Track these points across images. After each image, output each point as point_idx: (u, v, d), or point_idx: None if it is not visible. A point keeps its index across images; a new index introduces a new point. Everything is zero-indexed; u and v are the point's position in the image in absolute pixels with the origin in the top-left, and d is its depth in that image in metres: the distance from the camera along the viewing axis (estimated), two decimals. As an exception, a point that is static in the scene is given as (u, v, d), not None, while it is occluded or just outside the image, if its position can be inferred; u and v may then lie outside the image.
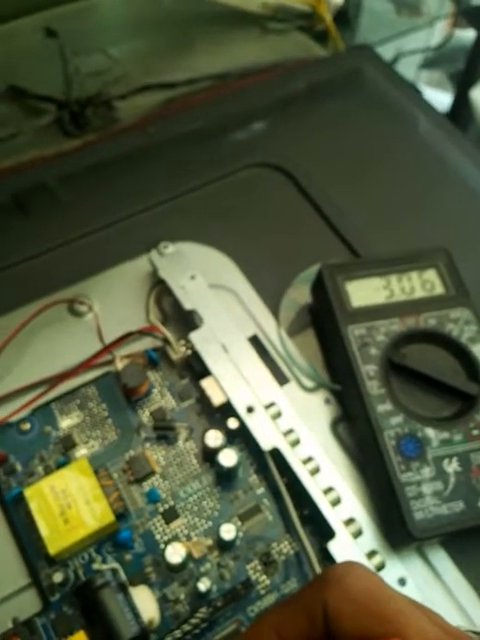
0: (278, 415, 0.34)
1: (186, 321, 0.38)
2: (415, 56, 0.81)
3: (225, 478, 0.34)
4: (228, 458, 0.32)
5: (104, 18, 0.62)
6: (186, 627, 0.29)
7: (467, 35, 0.76)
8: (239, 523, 0.33)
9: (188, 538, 0.32)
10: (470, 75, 0.75)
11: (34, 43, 0.58)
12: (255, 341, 0.38)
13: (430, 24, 0.81)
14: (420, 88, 0.73)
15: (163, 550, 0.31)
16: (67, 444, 0.35)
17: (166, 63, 0.58)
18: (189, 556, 0.31)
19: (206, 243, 0.43)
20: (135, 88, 0.56)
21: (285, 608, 0.22)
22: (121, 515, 0.32)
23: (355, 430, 0.35)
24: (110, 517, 0.31)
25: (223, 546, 0.32)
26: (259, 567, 0.32)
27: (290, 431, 0.34)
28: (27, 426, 0.35)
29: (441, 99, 0.79)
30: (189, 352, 0.37)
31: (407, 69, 0.78)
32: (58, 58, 0.57)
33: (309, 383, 0.37)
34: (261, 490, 0.34)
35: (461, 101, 0.77)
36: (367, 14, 0.74)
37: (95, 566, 0.31)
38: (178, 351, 0.37)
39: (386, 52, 0.71)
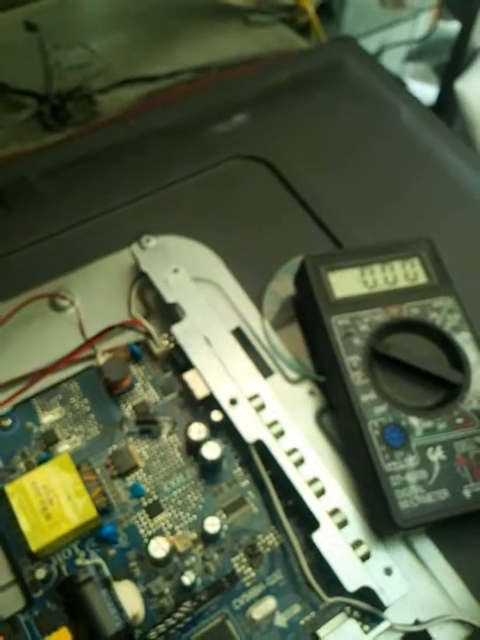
0: (262, 407, 0.34)
1: (169, 314, 0.38)
2: (400, 48, 0.81)
3: (209, 471, 0.34)
4: (212, 451, 0.32)
5: (84, 11, 0.61)
6: (170, 621, 0.29)
7: (451, 27, 0.76)
8: (224, 516, 0.32)
9: (172, 532, 0.32)
10: (455, 67, 0.75)
11: (14, 37, 0.58)
12: (239, 333, 0.38)
13: (414, 16, 0.81)
14: (405, 80, 0.73)
15: (147, 545, 0.30)
16: (49, 440, 0.34)
17: (148, 56, 0.58)
18: (173, 550, 0.31)
19: (189, 236, 0.42)
20: (116, 81, 0.56)
21: None
22: (105, 510, 0.32)
23: (340, 421, 0.35)
24: (92, 512, 0.31)
25: (208, 539, 0.32)
26: (244, 560, 0.31)
27: (274, 423, 0.33)
28: (8, 422, 0.34)
29: (426, 91, 0.79)
30: (172, 345, 0.36)
31: (392, 61, 0.78)
32: (38, 52, 0.56)
33: (293, 375, 0.37)
34: (245, 482, 0.34)
35: (446, 93, 0.76)
36: (351, 6, 0.74)
37: (78, 562, 0.30)
38: (160, 344, 0.36)
39: (371, 44, 0.71)
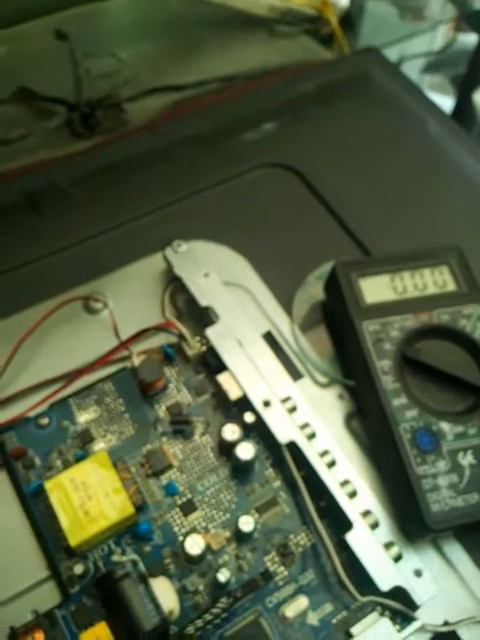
0: (294, 409, 0.35)
1: (201, 317, 0.39)
2: (418, 60, 0.82)
3: (242, 471, 0.34)
4: (246, 451, 0.33)
5: (113, 21, 0.63)
6: (207, 617, 0.29)
7: (469, 39, 0.77)
8: (256, 515, 0.33)
9: (206, 530, 0.33)
10: (472, 79, 0.76)
11: (45, 46, 0.59)
12: (269, 337, 0.38)
13: (433, 28, 0.81)
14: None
15: (182, 542, 0.31)
16: (85, 438, 0.35)
17: (175, 66, 0.59)
18: (208, 548, 0.32)
19: (218, 242, 0.43)
20: (144, 90, 0.57)
21: None
22: (139, 508, 0.32)
23: (369, 424, 0.36)
24: (130, 509, 0.31)
25: (241, 538, 0.32)
26: (276, 559, 0.32)
27: (306, 425, 0.34)
28: (45, 421, 0.35)
29: (443, 103, 0.79)
30: (204, 348, 0.37)
31: (410, 72, 0.78)
32: (68, 60, 0.57)
33: (322, 379, 0.38)
34: (277, 483, 0.34)
35: (463, 105, 0.77)
36: (370, 18, 0.75)
37: (114, 558, 0.31)
38: (194, 347, 0.37)
39: (389, 56, 0.72)
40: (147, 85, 0.57)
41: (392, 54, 0.75)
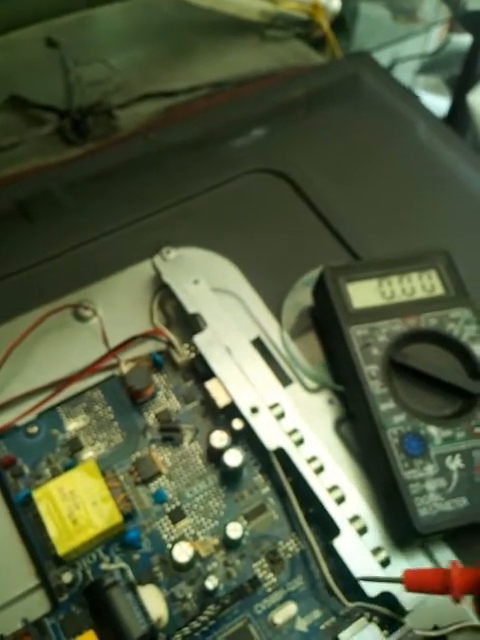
0: (282, 415, 0.35)
1: (189, 324, 0.39)
2: (412, 61, 0.82)
3: (230, 478, 0.34)
4: (234, 458, 0.33)
5: (104, 28, 0.63)
6: (195, 624, 0.29)
7: (463, 40, 0.77)
8: (245, 522, 0.33)
9: (195, 537, 0.33)
10: (467, 80, 0.76)
11: (35, 53, 0.59)
12: (258, 343, 0.38)
13: (426, 30, 0.82)
14: (417, 93, 0.74)
15: (170, 549, 0.31)
16: (74, 447, 0.35)
17: (166, 71, 0.59)
18: (196, 555, 0.32)
19: (208, 248, 0.43)
20: (135, 97, 0.57)
21: None
22: (128, 515, 0.33)
23: (358, 429, 0.36)
24: (118, 518, 0.31)
25: (229, 545, 0.32)
26: (265, 565, 0.32)
27: (294, 431, 0.34)
28: (34, 429, 0.35)
29: (438, 104, 0.79)
30: (193, 355, 0.37)
31: (404, 74, 0.79)
32: (59, 68, 0.58)
33: (312, 384, 0.38)
34: (266, 489, 0.34)
35: (458, 106, 0.77)
36: (363, 20, 0.75)
37: (103, 566, 0.31)
38: (182, 354, 0.37)
39: (383, 58, 0.72)
40: (138, 91, 0.57)
41: (386, 56, 0.75)
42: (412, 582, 0.28)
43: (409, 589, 0.28)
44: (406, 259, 0.38)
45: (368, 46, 0.70)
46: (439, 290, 0.37)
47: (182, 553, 0.31)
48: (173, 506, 0.34)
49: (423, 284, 0.37)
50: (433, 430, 0.33)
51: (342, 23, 0.71)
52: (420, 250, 0.39)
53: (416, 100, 0.57)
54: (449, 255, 0.38)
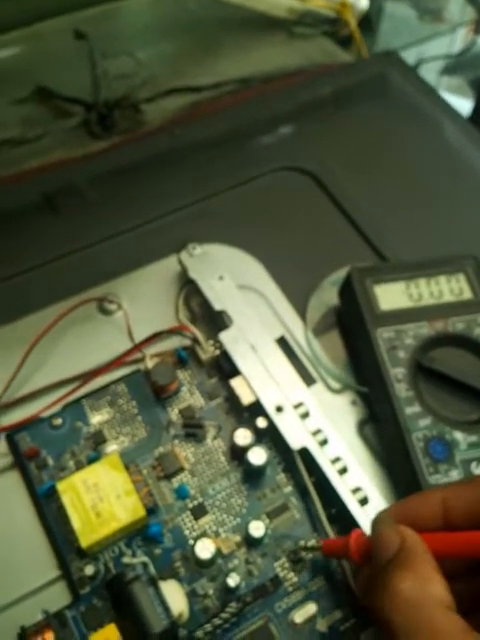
0: (306, 415, 0.34)
1: (215, 321, 0.39)
2: (436, 62, 0.81)
3: (253, 476, 0.34)
4: (258, 456, 0.33)
5: (132, 21, 0.63)
6: (217, 621, 0.29)
7: (489, 42, 0.76)
8: (267, 520, 0.33)
9: (216, 534, 0.33)
10: (492, 82, 0.76)
11: (63, 45, 0.59)
12: (282, 342, 0.38)
13: (452, 30, 0.81)
14: (441, 94, 0.73)
15: (192, 545, 0.31)
16: (98, 440, 0.35)
17: (192, 67, 0.59)
18: (218, 552, 0.32)
19: (234, 245, 0.43)
20: (162, 91, 0.57)
21: (458, 485, 0.26)
22: (151, 510, 0.33)
23: (382, 432, 0.36)
24: (141, 511, 0.31)
25: (251, 543, 0.32)
26: (286, 564, 0.32)
27: (318, 431, 0.34)
28: (59, 421, 0.35)
29: (461, 105, 0.79)
30: (218, 352, 0.37)
31: (428, 75, 0.78)
32: (86, 60, 0.58)
33: (335, 384, 0.38)
34: (288, 488, 0.34)
35: (481, 107, 0.77)
36: (389, 20, 0.75)
37: (125, 560, 0.31)
38: (207, 350, 0.37)
39: (408, 58, 0.71)
40: (164, 86, 0.57)
41: (411, 56, 0.75)
42: (326, 548, 0.30)
43: (325, 554, 0.31)
44: (434, 262, 0.38)
45: (393, 45, 0.70)
46: (467, 294, 0.37)
47: (204, 549, 0.31)
48: (195, 502, 0.34)
49: (451, 288, 0.37)
50: (458, 435, 0.33)
51: (368, 22, 0.71)
52: (449, 254, 0.38)
53: (443, 100, 0.56)
54: (478, 260, 0.38)
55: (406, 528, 0.24)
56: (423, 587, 0.22)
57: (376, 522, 0.26)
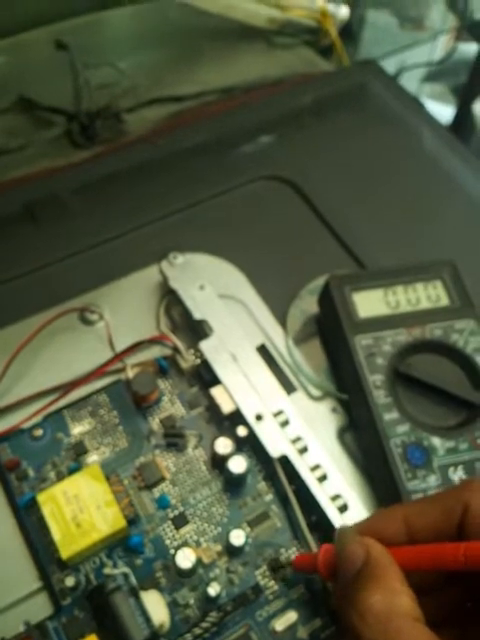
0: (286, 423, 0.35)
1: (195, 330, 0.39)
2: (418, 70, 0.82)
3: (234, 485, 0.34)
4: (238, 465, 0.33)
5: (113, 31, 0.63)
6: (197, 631, 0.29)
7: (470, 49, 0.77)
8: (248, 529, 0.33)
9: (198, 544, 0.33)
10: (473, 89, 0.76)
11: (45, 55, 0.59)
12: (263, 350, 0.39)
13: (433, 38, 0.82)
14: (423, 101, 0.74)
15: (173, 555, 0.31)
16: (79, 450, 0.35)
17: (174, 77, 0.59)
18: (199, 561, 0.32)
19: (215, 254, 0.43)
20: (143, 101, 0.57)
21: (420, 503, 0.26)
22: (132, 520, 0.33)
23: (362, 439, 0.36)
24: (122, 522, 0.31)
25: (232, 552, 0.32)
26: (267, 573, 0.32)
27: (298, 439, 0.34)
28: (39, 432, 0.35)
29: (443, 112, 0.80)
30: (198, 361, 0.37)
31: (410, 82, 0.79)
32: (68, 71, 0.58)
33: (316, 392, 0.38)
34: (269, 497, 0.34)
35: (464, 114, 0.77)
36: (370, 28, 0.75)
37: (106, 571, 0.31)
38: (188, 360, 0.37)
39: (389, 66, 0.72)
40: (146, 96, 0.57)
41: (392, 64, 0.76)
42: (297, 564, 0.31)
43: (296, 570, 0.31)
44: (412, 269, 0.38)
45: (375, 54, 0.70)
46: (444, 301, 0.37)
47: (185, 559, 0.31)
48: (176, 512, 0.34)
49: (428, 294, 0.37)
50: (436, 441, 0.33)
51: (349, 31, 0.72)
52: (426, 260, 0.39)
53: (422, 109, 0.57)
54: (455, 266, 0.38)
55: (371, 540, 0.24)
56: (390, 600, 0.22)
57: (340, 536, 0.26)
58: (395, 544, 0.24)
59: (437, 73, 0.86)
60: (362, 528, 0.26)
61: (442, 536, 0.24)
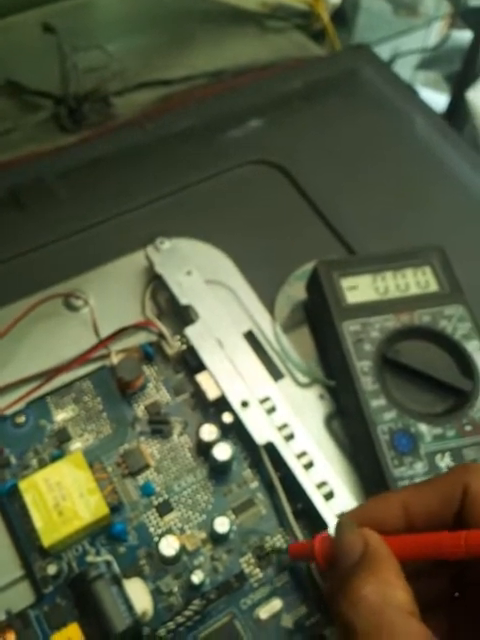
0: (272, 410, 0.34)
1: (181, 316, 0.38)
2: (412, 56, 0.81)
3: (219, 472, 0.34)
4: (223, 452, 0.33)
5: (102, 14, 0.62)
6: (179, 619, 0.29)
7: (464, 36, 0.77)
8: (233, 516, 0.33)
9: (182, 531, 0.32)
10: (466, 76, 0.76)
11: (32, 38, 0.58)
12: (250, 337, 0.38)
13: (427, 24, 0.81)
14: (416, 88, 0.73)
15: (157, 543, 0.31)
16: (62, 437, 0.35)
17: (163, 60, 0.58)
18: (183, 549, 0.31)
19: (202, 239, 0.43)
20: (132, 84, 0.56)
21: (418, 487, 0.25)
22: (115, 508, 0.32)
23: (349, 425, 0.36)
24: (104, 510, 0.31)
25: (217, 539, 0.32)
26: (252, 560, 0.32)
27: (284, 426, 0.34)
28: (22, 419, 0.35)
29: (437, 99, 0.79)
30: (184, 347, 0.37)
31: (404, 69, 0.78)
32: (56, 54, 0.57)
33: (303, 379, 0.37)
34: (255, 484, 0.34)
35: (457, 102, 0.77)
36: (364, 14, 0.74)
37: (89, 558, 0.31)
38: (173, 346, 0.37)
39: (383, 52, 0.71)
40: (135, 79, 0.56)
41: (386, 50, 0.75)
42: (292, 552, 0.29)
43: (292, 558, 0.30)
44: (401, 255, 0.38)
45: (368, 40, 0.69)
46: (433, 287, 0.37)
47: (168, 547, 0.31)
48: (160, 499, 0.33)
49: (417, 280, 0.37)
50: (423, 428, 0.33)
51: (343, 16, 0.71)
52: (415, 246, 0.38)
53: (415, 95, 0.56)
54: (444, 252, 0.38)
55: (370, 531, 0.24)
56: (386, 592, 0.22)
57: (339, 526, 0.25)
58: (394, 529, 0.24)
59: (431, 60, 0.85)
60: (360, 514, 0.26)
61: (441, 520, 0.24)
